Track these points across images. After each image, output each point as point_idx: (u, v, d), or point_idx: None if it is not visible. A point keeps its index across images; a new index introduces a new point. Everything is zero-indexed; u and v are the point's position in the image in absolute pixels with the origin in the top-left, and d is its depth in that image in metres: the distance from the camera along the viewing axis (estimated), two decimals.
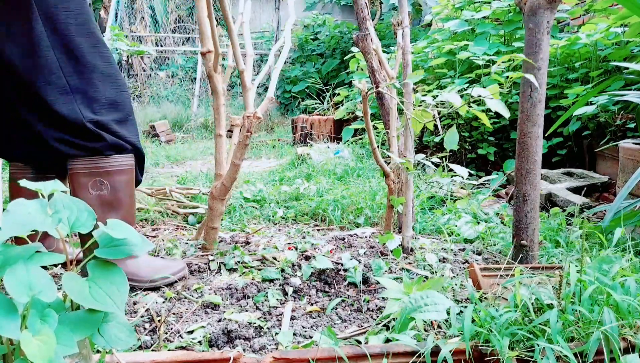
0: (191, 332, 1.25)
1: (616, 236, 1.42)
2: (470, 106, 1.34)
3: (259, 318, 1.33)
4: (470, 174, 3.40)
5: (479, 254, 1.84)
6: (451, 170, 1.69)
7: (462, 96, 1.37)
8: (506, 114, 1.30)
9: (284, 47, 1.94)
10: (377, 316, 1.34)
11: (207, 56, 1.64)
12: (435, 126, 2.76)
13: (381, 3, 6.95)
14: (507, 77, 1.32)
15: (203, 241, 1.86)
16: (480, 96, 1.30)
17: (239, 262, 1.71)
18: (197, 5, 1.61)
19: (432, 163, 1.54)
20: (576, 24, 4.05)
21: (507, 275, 1.37)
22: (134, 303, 1.41)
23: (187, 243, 1.97)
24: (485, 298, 1.26)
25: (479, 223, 2.12)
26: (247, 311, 1.38)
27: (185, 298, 1.45)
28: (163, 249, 1.90)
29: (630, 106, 2.72)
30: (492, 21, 3.85)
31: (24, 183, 0.81)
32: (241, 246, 1.88)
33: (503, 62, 3.39)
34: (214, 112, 1.74)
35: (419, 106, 1.60)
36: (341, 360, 1.00)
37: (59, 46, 1.37)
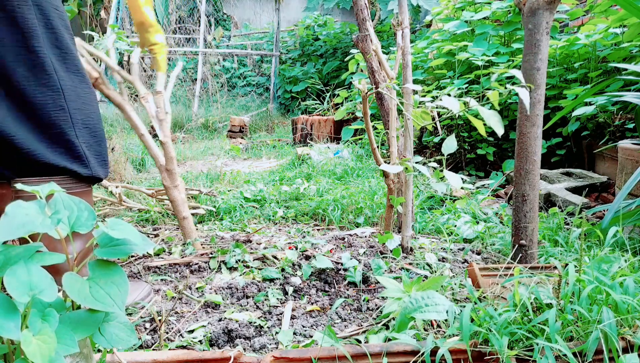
0: (192, 331, 1.26)
1: (610, 234, 1.41)
2: (468, 109, 1.33)
3: (259, 318, 1.33)
4: (469, 175, 3.40)
5: (478, 254, 1.84)
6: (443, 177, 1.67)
7: (462, 96, 1.37)
8: (500, 131, 1.24)
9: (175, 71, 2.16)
10: (377, 316, 1.34)
11: (96, 83, 1.79)
12: (435, 126, 2.76)
13: (380, 9, 6.95)
14: (506, 80, 1.30)
15: (195, 240, 1.88)
16: (476, 107, 1.28)
17: (239, 261, 1.72)
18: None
19: (431, 167, 1.54)
20: (575, 24, 4.05)
21: (506, 275, 1.38)
22: (136, 303, 1.41)
23: (184, 243, 1.97)
24: (484, 297, 1.27)
25: (478, 222, 2.12)
26: (247, 310, 1.38)
27: (186, 297, 1.46)
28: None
29: (629, 107, 2.73)
30: (492, 22, 3.85)
31: (20, 185, 0.81)
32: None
33: (502, 63, 3.39)
34: (128, 121, 1.86)
35: (419, 107, 1.60)
36: (341, 359, 1.00)
37: (51, 44, 1.22)
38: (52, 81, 1.22)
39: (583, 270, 1.15)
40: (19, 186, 0.80)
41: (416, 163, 1.51)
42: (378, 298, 1.44)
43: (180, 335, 1.25)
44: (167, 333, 1.25)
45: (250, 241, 1.97)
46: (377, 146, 1.90)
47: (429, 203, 2.59)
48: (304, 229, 2.27)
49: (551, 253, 1.69)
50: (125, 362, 0.96)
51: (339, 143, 4.76)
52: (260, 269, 1.67)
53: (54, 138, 1.24)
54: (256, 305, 1.42)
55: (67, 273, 0.74)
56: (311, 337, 1.22)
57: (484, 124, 2.88)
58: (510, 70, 1.30)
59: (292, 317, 1.34)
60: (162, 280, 1.62)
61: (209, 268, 1.70)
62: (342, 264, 1.64)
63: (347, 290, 1.51)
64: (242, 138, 6.03)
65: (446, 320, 1.22)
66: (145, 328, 1.27)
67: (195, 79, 7.77)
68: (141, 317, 1.32)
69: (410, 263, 1.70)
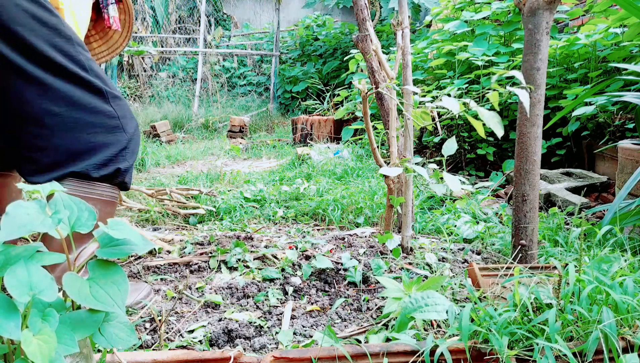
0: (192, 331, 1.26)
1: (603, 230, 1.41)
2: (468, 109, 1.33)
3: (259, 318, 1.33)
4: (469, 175, 3.40)
5: (478, 254, 1.84)
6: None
7: (462, 96, 1.37)
8: (499, 132, 1.22)
9: None
10: (377, 316, 1.34)
11: None
12: (435, 126, 2.76)
13: (381, 7, 6.95)
14: (506, 80, 1.29)
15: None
16: (475, 108, 1.27)
17: (239, 260, 1.72)
18: None
19: (430, 168, 1.53)
20: (575, 24, 4.05)
21: (506, 275, 1.38)
22: (136, 303, 1.41)
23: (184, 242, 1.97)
24: (484, 297, 1.27)
25: (478, 222, 2.12)
26: (247, 310, 1.38)
27: (186, 297, 1.46)
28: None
29: (629, 107, 2.73)
30: (492, 22, 3.85)
31: (20, 184, 0.81)
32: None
33: (502, 63, 3.39)
34: None
35: (419, 107, 1.60)
36: (341, 359, 1.00)
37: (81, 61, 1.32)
38: (105, 101, 1.33)
39: (583, 270, 1.15)
40: (19, 185, 0.81)
41: (416, 163, 1.51)
42: (378, 298, 1.44)
43: (180, 335, 1.25)
44: (167, 333, 1.25)
45: (252, 239, 1.97)
46: (377, 146, 1.90)
47: (429, 203, 2.59)
48: (304, 229, 2.27)
49: (551, 253, 1.69)
50: (125, 362, 0.96)
51: (339, 143, 4.75)
52: (260, 269, 1.67)
53: (109, 150, 1.32)
54: (256, 305, 1.42)
55: (67, 273, 0.74)
56: (311, 337, 1.22)
57: (484, 125, 2.88)
58: (510, 71, 1.30)
59: (292, 317, 1.34)
60: (162, 279, 1.62)
61: (209, 267, 1.70)
62: (342, 264, 1.64)
63: (347, 290, 1.51)
64: (242, 138, 6.03)
65: (446, 320, 1.22)
66: (145, 328, 1.27)
67: (195, 79, 7.76)
68: (141, 317, 1.32)
69: (410, 263, 1.70)
